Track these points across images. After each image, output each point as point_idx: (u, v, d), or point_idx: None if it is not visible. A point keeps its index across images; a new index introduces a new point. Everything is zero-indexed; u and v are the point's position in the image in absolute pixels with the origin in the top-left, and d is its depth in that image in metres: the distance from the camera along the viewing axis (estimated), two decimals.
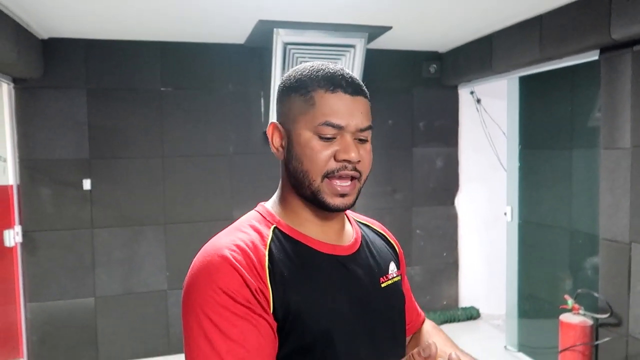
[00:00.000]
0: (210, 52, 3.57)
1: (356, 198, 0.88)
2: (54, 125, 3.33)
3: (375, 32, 3.30)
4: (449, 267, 4.22)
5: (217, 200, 3.64)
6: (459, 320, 4.13)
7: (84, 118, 3.38)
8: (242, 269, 0.78)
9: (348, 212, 1.01)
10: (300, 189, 0.85)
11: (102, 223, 3.44)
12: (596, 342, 2.71)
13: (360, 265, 0.91)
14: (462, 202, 4.23)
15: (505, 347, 3.61)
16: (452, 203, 4.21)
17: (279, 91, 0.90)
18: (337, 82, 0.84)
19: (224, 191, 3.65)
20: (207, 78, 3.59)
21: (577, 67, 2.89)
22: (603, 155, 2.66)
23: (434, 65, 4.01)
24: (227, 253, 0.79)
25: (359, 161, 0.84)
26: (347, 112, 0.83)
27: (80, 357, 3.41)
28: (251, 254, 0.80)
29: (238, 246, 0.81)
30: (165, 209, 3.55)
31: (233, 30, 3.23)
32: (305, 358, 0.81)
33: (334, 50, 3.31)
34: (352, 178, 0.85)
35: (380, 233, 1.05)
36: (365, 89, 0.89)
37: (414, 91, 4.05)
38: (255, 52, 3.60)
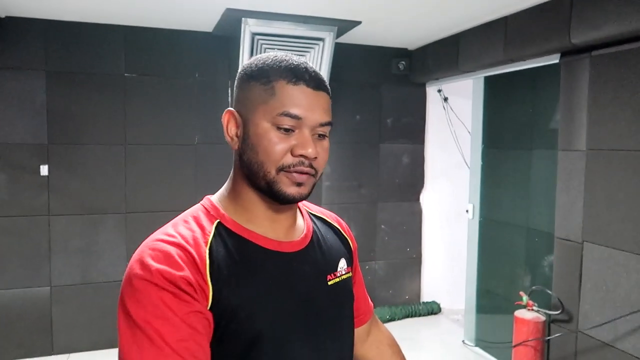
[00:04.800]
0: (177, 39, 3.50)
1: (310, 191, 0.85)
2: (10, 108, 3.21)
3: (344, 26, 3.29)
4: (412, 262, 4.28)
5: (180, 190, 3.58)
6: (420, 315, 4.20)
7: (42, 102, 3.27)
8: (182, 264, 0.75)
9: (301, 203, 0.99)
10: (255, 180, 0.83)
11: (60, 210, 3.35)
12: (548, 337, 2.80)
13: (307, 262, 0.89)
14: (427, 199, 4.29)
15: (463, 341, 3.69)
16: (417, 199, 4.26)
17: (238, 78, 0.87)
18: (300, 75, 0.81)
19: (187, 181, 3.60)
20: (174, 65, 3.53)
21: (539, 69, 2.95)
22: (560, 156, 2.73)
23: (403, 62, 4.04)
24: (168, 248, 0.76)
25: (316, 158, 0.82)
26: (308, 105, 0.81)
27: (33, 348, 3.32)
28: (192, 250, 0.77)
29: (178, 244, 0.77)
30: (127, 198, 3.48)
31: (200, 17, 3.18)
32: (243, 356, 0.79)
33: (303, 43, 3.30)
34: (308, 174, 0.83)
35: (334, 227, 1.03)
36: (328, 86, 0.86)
37: (382, 87, 4.07)
38: (223, 41, 3.55)
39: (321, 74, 0.86)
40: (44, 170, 3.29)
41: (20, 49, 3.20)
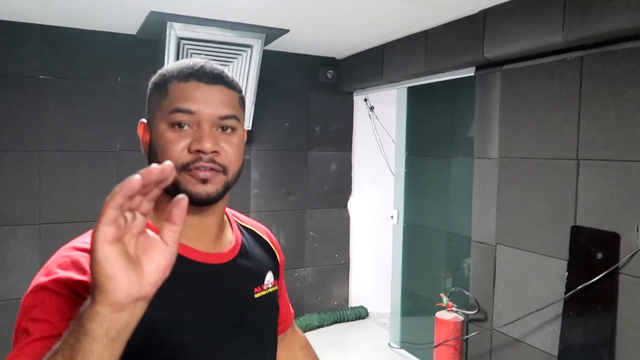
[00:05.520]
0: (98, 41, 3.35)
1: (223, 191, 0.82)
2: None
3: (272, 33, 3.31)
4: (341, 268, 4.34)
5: (102, 199, 3.38)
6: (348, 320, 4.26)
7: None
8: (89, 270, 0.72)
9: (231, 214, 0.99)
10: None
11: None
12: (466, 337, 2.94)
13: (235, 274, 0.88)
14: (355, 205, 4.38)
15: (389, 344, 3.79)
16: (345, 206, 4.34)
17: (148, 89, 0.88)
18: (192, 72, 0.81)
19: (109, 190, 3.42)
20: (95, 68, 3.38)
21: (458, 81, 3.12)
22: (475, 164, 2.89)
23: (331, 71, 4.11)
24: (77, 255, 0.74)
25: (216, 152, 0.79)
26: (201, 99, 0.79)
27: None
28: None
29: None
30: (41, 208, 3.27)
31: (123, 19, 3.07)
32: None
33: (230, 49, 3.27)
34: (213, 170, 0.80)
35: (263, 239, 1.03)
36: (230, 80, 0.84)
37: (310, 95, 4.12)
38: (148, 44, 3.44)
39: (223, 71, 0.85)
40: None
41: None
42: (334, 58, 4.15)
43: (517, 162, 2.64)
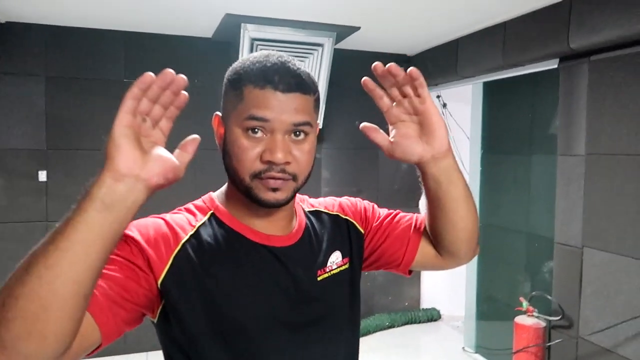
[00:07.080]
0: (176, 45, 3.50)
1: (291, 196, 0.85)
2: (9, 113, 3.21)
3: (343, 31, 3.30)
4: None
5: (179, 197, 3.53)
6: (419, 322, 4.18)
7: (41, 107, 3.27)
8: (153, 234, 0.80)
9: (299, 200, 1.00)
10: (235, 184, 0.85)
11: (58, 217, 3.26)
12: (548, 344, 2.78)
13: (296, 258, 0.89)
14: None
15: (463, 348, 3.67)
16: (417, 205, 4.25)
17: (223, 83, 0.88)
18: (268, 78, 0.79)
19: (187, 188, 3.56)
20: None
21: (538, 75, 2.96)
22: (559, 161, 2.72)
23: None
24: (149, 221, 0.84)
25: (288, 162, 0.80)
26: (275, 107, 0.79)
27: None
28: (176, 228, 0.83)
29: (165, 220, 0.84)
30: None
31: (200, 23, 3.19)
32: (219, 345, 0.81)
33: (302, 49, 3.30)
34: (283, 179, 0.81)
35: (334, 216, 1.01)
36: (307, 83, 0.82)
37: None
38: (223, 46, 3.55)
39: (302, 71, 0.83)
40: (42, 175, 3.28)
41: (20, 54, 3.20)
42: (406, 55, 4.07)
43: (607, 158, 2.46)
